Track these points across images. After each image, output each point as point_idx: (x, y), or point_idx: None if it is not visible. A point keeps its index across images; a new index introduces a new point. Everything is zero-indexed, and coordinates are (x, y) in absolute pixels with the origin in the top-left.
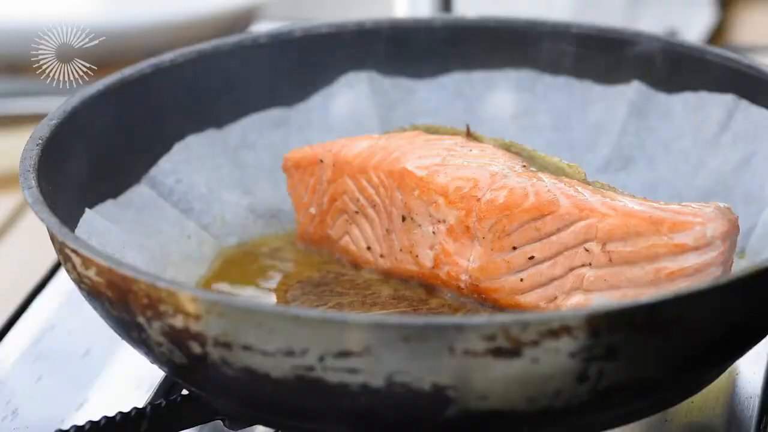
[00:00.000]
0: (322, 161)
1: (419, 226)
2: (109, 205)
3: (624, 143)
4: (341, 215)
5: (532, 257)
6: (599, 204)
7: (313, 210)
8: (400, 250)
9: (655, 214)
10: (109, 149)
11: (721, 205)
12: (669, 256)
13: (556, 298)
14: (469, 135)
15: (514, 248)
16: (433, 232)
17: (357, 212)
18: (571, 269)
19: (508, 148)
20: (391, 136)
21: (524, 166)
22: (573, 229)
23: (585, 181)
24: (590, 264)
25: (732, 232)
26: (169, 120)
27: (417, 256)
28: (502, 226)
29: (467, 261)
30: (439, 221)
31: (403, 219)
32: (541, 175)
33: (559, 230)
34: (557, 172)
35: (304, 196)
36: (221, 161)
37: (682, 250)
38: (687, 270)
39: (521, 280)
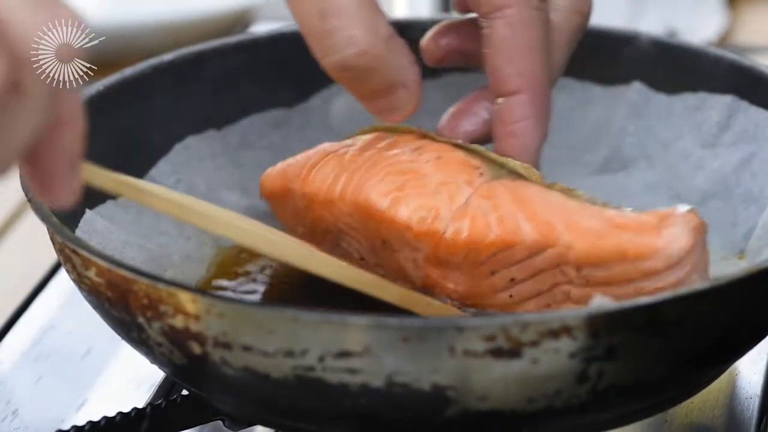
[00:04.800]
0: (291, 189)
1: (398, 251)
2: (109, 205)
3: (624, 144)
4: (327, 234)
5: (512, 279)
6: (563, 229)
7: (300, 230)
8: (391, 268)
9: (621, 243)
10: (108, 150)
11: (684, 209)
12: (643, 279)
13: (549, 305)
14: (423, 136)
15: (493, 273)
16: (413, 259)
17: (340, 232)
18: (555, 285)
19: (462, 148)
20: (350, 149)
21: (481, 174)
22: (544, 255)
23: (543, 184)
24: (570, 282)
25: (697, 242)
26: (168, 121)
27: (406, 275)
28: (472, 257)
29: (453, 284)
30: (415, 249)
31: (383, 242)
32: (501, 187)
33: (530, 257)
34: (513, 175)
35: (288, 219)
36: (221, 162)
37: (654, 273)
38: (665, 287)
39: (510, 296)
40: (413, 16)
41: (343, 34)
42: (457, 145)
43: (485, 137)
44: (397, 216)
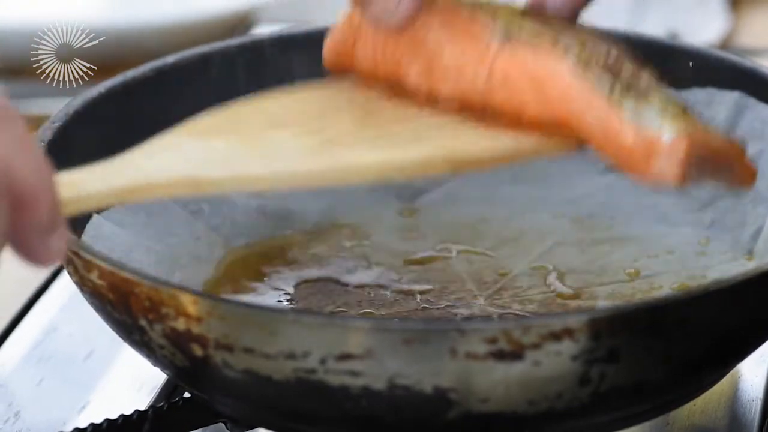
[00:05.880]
0: (344, 65)
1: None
2: (117, 208)
3: None
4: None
5: None
6: (576, 123)
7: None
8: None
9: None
10: (114, 153)
11: (667, 137)
12: None
13: None
14: None
15: None
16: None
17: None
18: None
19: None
20: None
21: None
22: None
23: (559, 47)
24: None
25: (688, 165)
26: (178, 122)
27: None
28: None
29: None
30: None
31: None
32: (514, 63)
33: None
34: (527, 35)
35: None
36: None
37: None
38: None
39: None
40: None
41: None
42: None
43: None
44: (440, 100)
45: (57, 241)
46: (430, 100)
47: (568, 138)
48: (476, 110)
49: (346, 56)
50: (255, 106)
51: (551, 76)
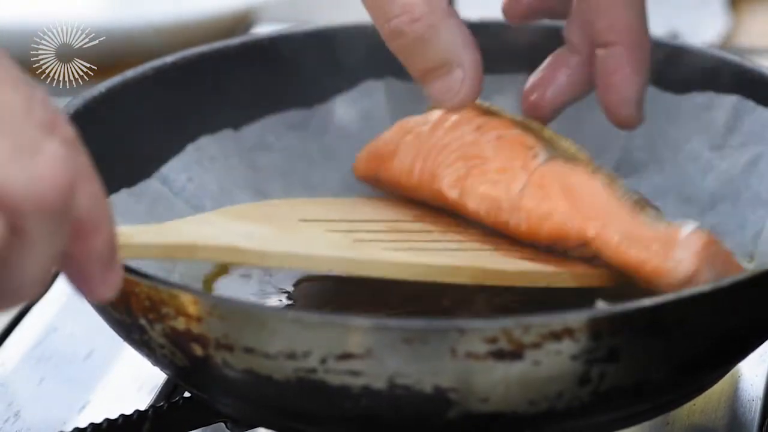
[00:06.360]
0: (378, 176)
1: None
2: (123, 194)
3: (633, 146)
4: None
5: (582, 256)
6: (598, 230)
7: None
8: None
9: (634, 259)
10: (114, 153)
11: (689, 228)
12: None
13: None
14: (485, 112)
15: (564, 251)
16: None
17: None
18: None
19: (522, 126)
20: (423, 128)
21: (535, 156)
22: (591, 246)
23: (590, 168)
24: None
25: (703, 264)
26: (182, 121)
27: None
28: (538, 242)
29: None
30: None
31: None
32: (551, 174)
33: (582, 246)
34: (565, 155)
35: (387, 191)
36: (234, 162)
37: (669, 287)
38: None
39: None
40: None
41: (399, 2)
42: (515, 122)
43: (572, 100)
44: (468, 207)
45: (114, 276)
46: (458, 207)
47: (578, 263)
48: (500, 223)
49: (381, 163)
50: (286, 202)
51: (585, 185)
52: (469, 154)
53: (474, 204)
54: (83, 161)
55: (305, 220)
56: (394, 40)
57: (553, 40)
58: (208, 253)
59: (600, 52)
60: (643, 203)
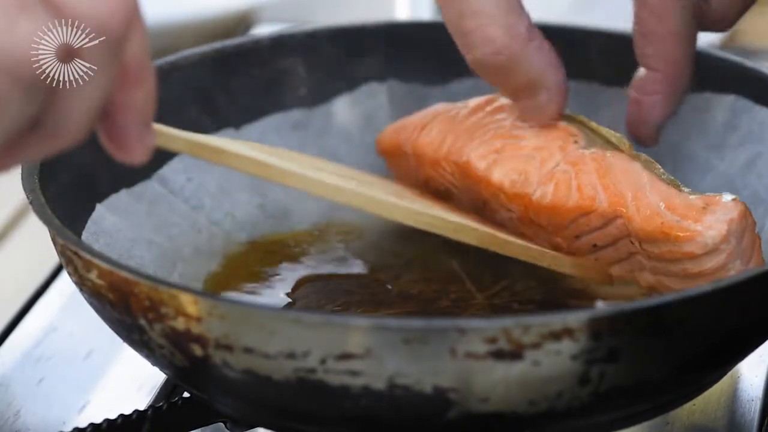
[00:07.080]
0: (403, 148)
1: (496, 212)
2: (123, 194)
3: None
4: (437, 193)
5: (595, 245)
6: (630, 201)
7: (413, 187)
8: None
9: (666, 224)
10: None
11: (728, 198)
12: (685, 261)
13: (632, 271)
14: None
15: (578, 237)
16: (509, 218)
17: (448, 191)
18: (631, 254)
19: (567, 118)
20: (460, 111)
21: (575, 141)
22: (615, 224)
23: (631, 154)
24: (639, 253)
25: (733, 232)
26: (182, 121)
27: (506, 231)
28: (556, 221)
29: (544, 242)
30: (509, 210)
31: (484, 203)
32: (589, 156)
33: (605, 224)
34: (606, 145)
35: (402, 176)
36: None
37: (693, 256)
38: (706, 271)
39: (595, 260)
40: (415, 18)
41: (480, 34)
42: (562, 115)
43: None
44: (492, 178)
45: (150, 137)
46: (481, 181)
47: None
48: (522, 195)
49: (408, 135)
50: (297, 153)
51: (622, 164)
52: (506, 134)
53: (500, 175)
54: (140, 7)
55: (315, 167)
56: (477, 68)
57: (556, 42)
58: (232, 160)
59: (643, 70)
60: (679, 185)
